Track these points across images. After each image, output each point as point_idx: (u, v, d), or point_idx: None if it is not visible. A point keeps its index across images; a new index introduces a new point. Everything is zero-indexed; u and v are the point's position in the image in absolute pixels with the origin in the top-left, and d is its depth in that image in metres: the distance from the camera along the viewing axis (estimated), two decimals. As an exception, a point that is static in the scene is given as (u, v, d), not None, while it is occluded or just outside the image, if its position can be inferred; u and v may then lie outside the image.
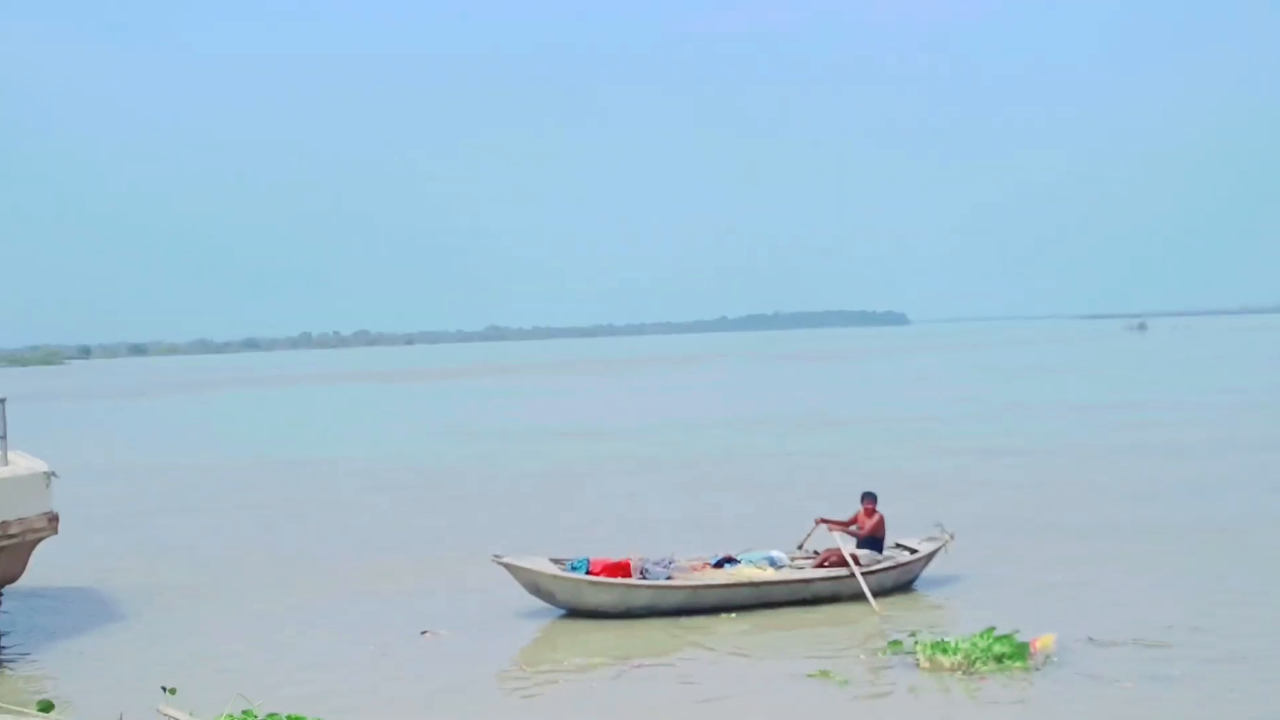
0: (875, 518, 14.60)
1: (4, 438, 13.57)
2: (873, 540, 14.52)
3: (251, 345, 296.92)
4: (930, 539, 14.95)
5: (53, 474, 13.51)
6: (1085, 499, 20.89)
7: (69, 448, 17.73)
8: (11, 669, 12.26)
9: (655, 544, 15.06)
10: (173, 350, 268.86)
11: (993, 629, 11.34)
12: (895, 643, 11.80)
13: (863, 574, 13.75)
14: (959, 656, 10.95)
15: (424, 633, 13.15)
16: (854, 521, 14.65)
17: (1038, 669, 10.98)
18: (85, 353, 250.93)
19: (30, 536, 13.02)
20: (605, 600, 13.37)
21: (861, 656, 11.70)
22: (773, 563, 14.15)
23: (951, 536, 14.83)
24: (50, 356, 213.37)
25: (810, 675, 11.08)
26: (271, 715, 9.09)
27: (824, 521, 14.57)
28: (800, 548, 14.86)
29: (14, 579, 13.36)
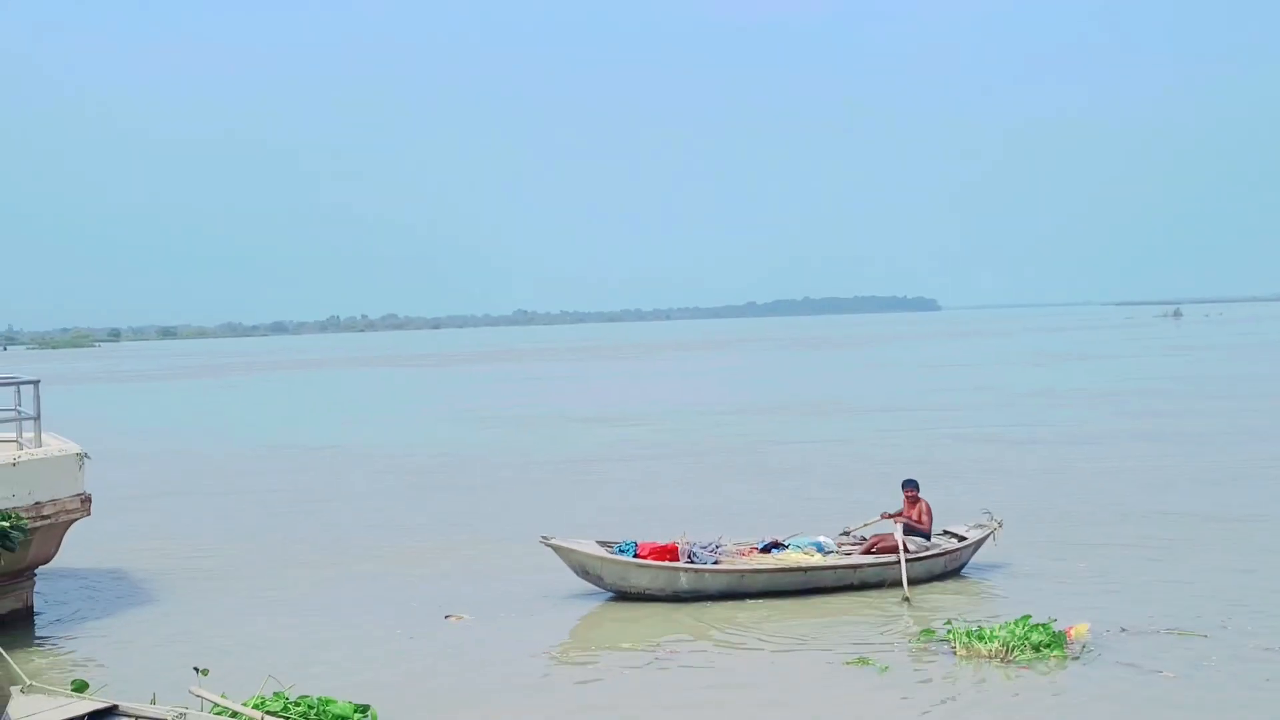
0: (920, 505, 14.60)
1: (37, 419, 13.69)
2: (919, 527, 14.51)
3: (280, 329, 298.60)
4: (978, 526, 14.91)
5: (85, 456, 13.59)
6: (1105, 487, 20.73)
7: (97, 430, 17.80)
8: (45, 648, 12.33)
9: (668, 531, 14.99)
10: (201, 333, 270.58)
11: (1028, 617, 11.27)
12: (928, 630, 11.72)
13: (911, 560, 13.72)
14: (996, 644, 10.86)
15: (448, 616, 13.17)
16: (905, 515, 14.61)
17: (1076, 658, 10.88)
18: (115, 336, 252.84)
19: (63, 518, 13.10)
20: (652, 583, 13.40)
21: (899, 644, 11.60)
22: (820, 548, 14.14)
23: (1000, 524, 14.76)
24: (80, 339, 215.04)
25: (849, 663, 11.01)
26: (303, 697, 9.11)
27: (888, 517, 14.51)
28: (846, 533, 14.85)
29: (47, 560, 13.47)
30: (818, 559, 13.90)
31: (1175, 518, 17.78)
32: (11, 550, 11.99)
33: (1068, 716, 9.64)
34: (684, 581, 13.40)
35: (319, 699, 9.06)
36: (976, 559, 14.76)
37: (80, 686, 9.23)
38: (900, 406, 38.24)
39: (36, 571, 13.58)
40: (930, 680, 10.56)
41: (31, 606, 13.53)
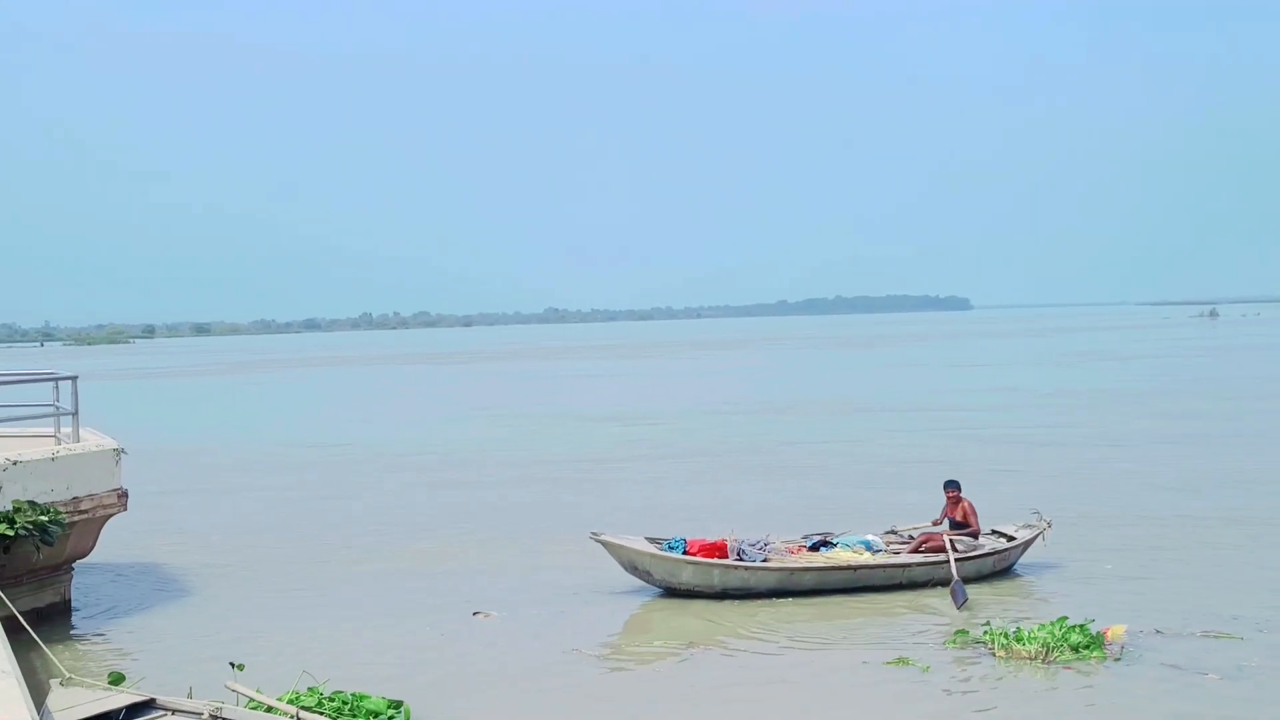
0: (963, 505, 14.55)
1: (76, 414, 13.82)
2: (965, 526, 14.47)
3: (312, 326, 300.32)
4: (1027, 526, 14.84)
5: (122, 451, 13.72)
6: (1129, 488, 20.57)
7: (126, 426, 17.99)
8: (83, 642, 12.43)
9: (691, 528, 15.01)
10: (235, 330, 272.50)
11: (1065, 618, 11.21)
12: (962, 632, 11.63)
13: (960, 560, 13.67)
14: (1036, 646, 10.79)
15: (476, 613, 13.20)
16: (949, 516, 14.60)
17: (1117, 659, 10.80)
18: (149, 332, 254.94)
19: (101, 512, 13.22)
20: (701, 580, 13.42)
21: (939, 645, 11.52)
22: (869, 547, 14.12)
23: (1049, 524, 14.68)
24: (116, 335, 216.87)
25: (889, 663, 10.95)
26: (337, 692, 9.18)
27: (944, 534, 14.32)
28: (893, 532, 14.81)
29: (85, 554, 13.58)
30: (866, 557, 13.89)
31: (1201, 520, 17.63)
32: (50, 544, 12.11)
33: (1119, 719, 9.58)
34: (733, 579, 13.43)
35: (353, 695, 9.12)
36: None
37: (117, 679, 9.33)
38: (920, 406, 38.10)
39: (74, 565, 13.70)
40: (973, 681, 10.50)
41: (69, 600, 13.65)
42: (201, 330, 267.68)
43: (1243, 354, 67.63)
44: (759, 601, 13.27)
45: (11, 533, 11.55)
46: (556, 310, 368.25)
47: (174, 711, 8.18)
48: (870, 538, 14.40)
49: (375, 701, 9.01)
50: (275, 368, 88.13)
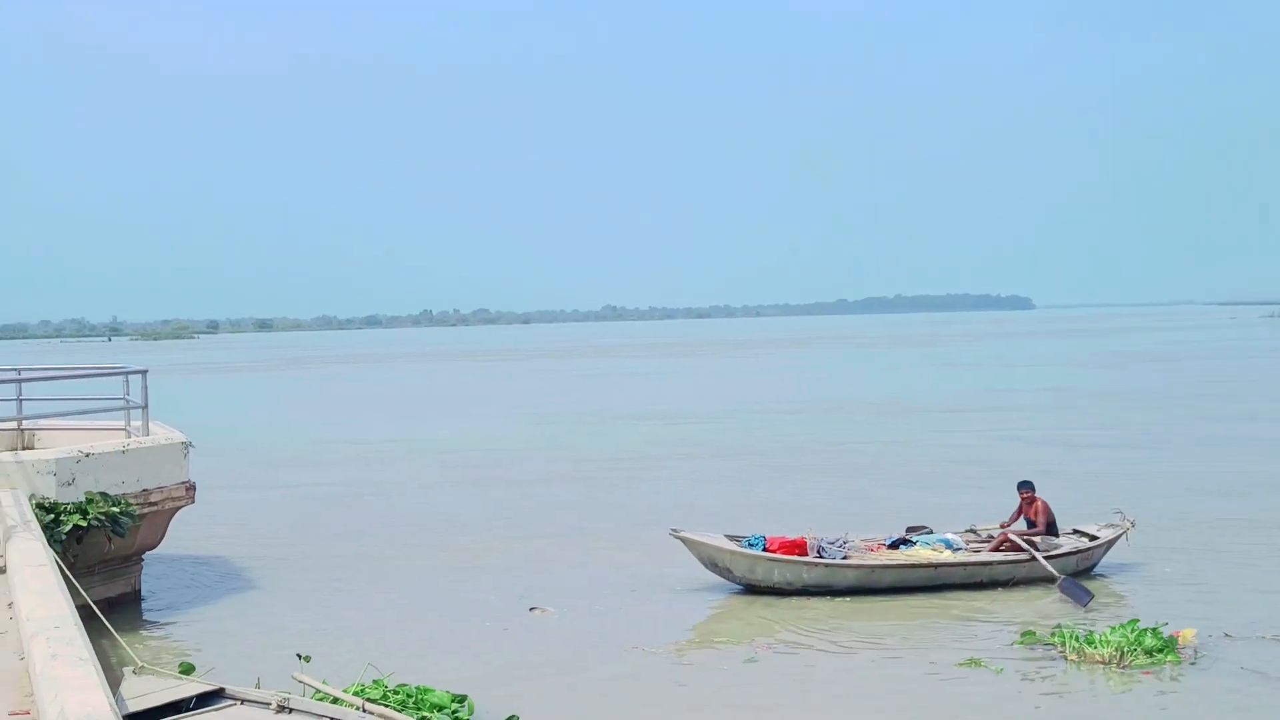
0: (1037, 504, 14.44)
1: (145, 408, 14.08)
2: (1046, 525, 14.37)
3: (373, 322, 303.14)
4: (1110, 525, 14.70)
5: (190, 445, 13.95)
6: (1178, 491, 20.23)
7: (192, 420, 18.25)
8: (152, 631, 12.66)
9: (724, 528, 15.01)
10: (297, 326, 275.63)
11: (1136, 621, 11.09)
12: (1029, 633, 11.53)
13: (1044, 558, 13.60)
14: (1110, 649, 10.67)
15: (532, 609, 13.29)
16: (1021, 516, 14.52)
17: (1192, 663, 10.67)
18: (214, 328, 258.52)
19: (169, 505, 13.45)
20: (781, 577, 13.46)
21: (1006, 645, 11.43)
22: (949, 545, 14.07)
23: (1133, 524, 14.54)
24: (180, 331, 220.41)
25: (961, 664, 10.89)
26: (401, 685, 9.28)
27: (1013, 533, 14.23)
28: (972, 530, 14.73)
29: (154, 545, 13.84)
30: (947, 555, 13.84)
31: (1257, 523, 17.37)
32: (121, 536, 12.34)
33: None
34: (813, 576, 13.45)
35: (417, 688, 9.21)
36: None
37: (187, 669, 9.47)
38: (969, 406, 37.81)
39: (144, 556, 13.96)
40: (1048, 685, 10.38)
41: (139, 590, 13.91)
42: (264, 326, 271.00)
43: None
44: (833, 599, 13.27)
45: (84, 523, 11.78)
46: (614, 308, 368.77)
47: (243, 701, 8.29)
48: (950, 536, 14.35)
49: (439, 695, 9.10)
50: (332, 364, 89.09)
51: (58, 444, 14.36)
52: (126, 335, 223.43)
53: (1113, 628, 11.08)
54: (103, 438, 14.17)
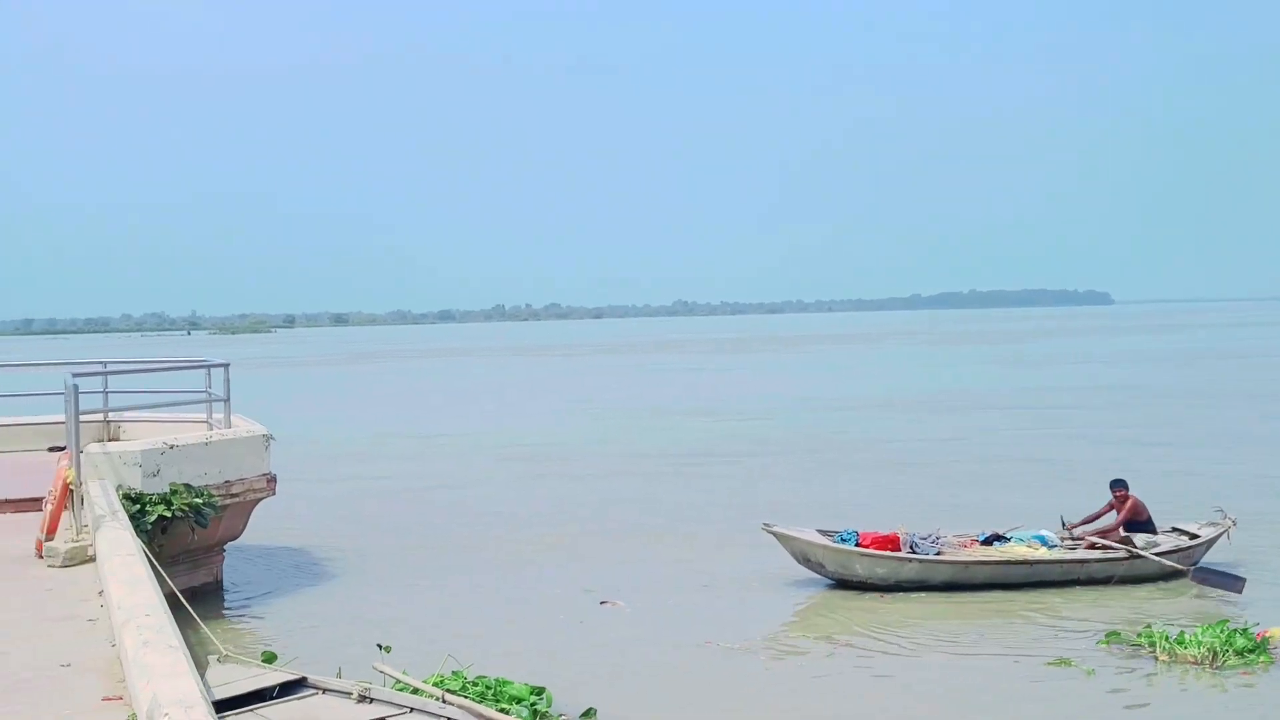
0: (1130, 502, 14.21)
1: (227, 401, 14.30)
2: (1140, 523, 14.16)
3: (447, 317, 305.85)
4: (1211, 524, 14.44)
5: (270, 437, 14.15)
6: (1246, 490, 19.62)
7: (266, 413, 18.54)
8: (234, 620, 12.86)
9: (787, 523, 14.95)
10: (372, 321, 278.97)
11: (1226, 621, 10.90)
12: (1114, 633, 11.32)
13: (1141, 555, 13.44)
14: (1202, 650, 10.45)
15: (604, 602, 13.31)
16: (1111, 513, 14.34)
17: None
18: (290, 322, 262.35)
19: (251, 496, 13.64)
20: (875, 572, 13.41)
21: (1092, 645, 11.24)
22: (1044, 542, 13.89)
23: (1234, 522, 14.27)
24: (258, 325, 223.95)
25: (1050, 663, 10.72)
26: (480, 677, 9.32)
27: (1090, 534, 14.09)
28: (1065, 526, 14.51)
29: (236, 536, 14.05)
30: (1043, 553, 13.66)
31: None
32: (204, 526, 12.54)
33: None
34: (907, 572, 13.37)
35: (496, 680, 9.24)
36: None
37: (270, 658, 9.60)
38: (1027, 404, 37.24)
39: (225, 547, 14.19)
40: (1140, 686, 10.19)
41: (221, 580, 14.13)
42: (340, 321, 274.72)
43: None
44: (924, 595, 13.18)
45: (169, 514, 11.97)
46: (685, 303, 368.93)
47: (324, 690, 8.38)
48: (1045, 533, 14.13)
49: (518, 687, 9.12)
50: (401, 358, 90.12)
51: (141, 436, 14.63)
52: (205, 329, 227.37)
53: (1203, 627, 10.86)
54: (186, 430, 14.42)
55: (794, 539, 13.72)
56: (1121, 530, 14.03)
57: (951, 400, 39.68)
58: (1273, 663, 10.45)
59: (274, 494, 14.09)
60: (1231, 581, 12.73)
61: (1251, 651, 10.48)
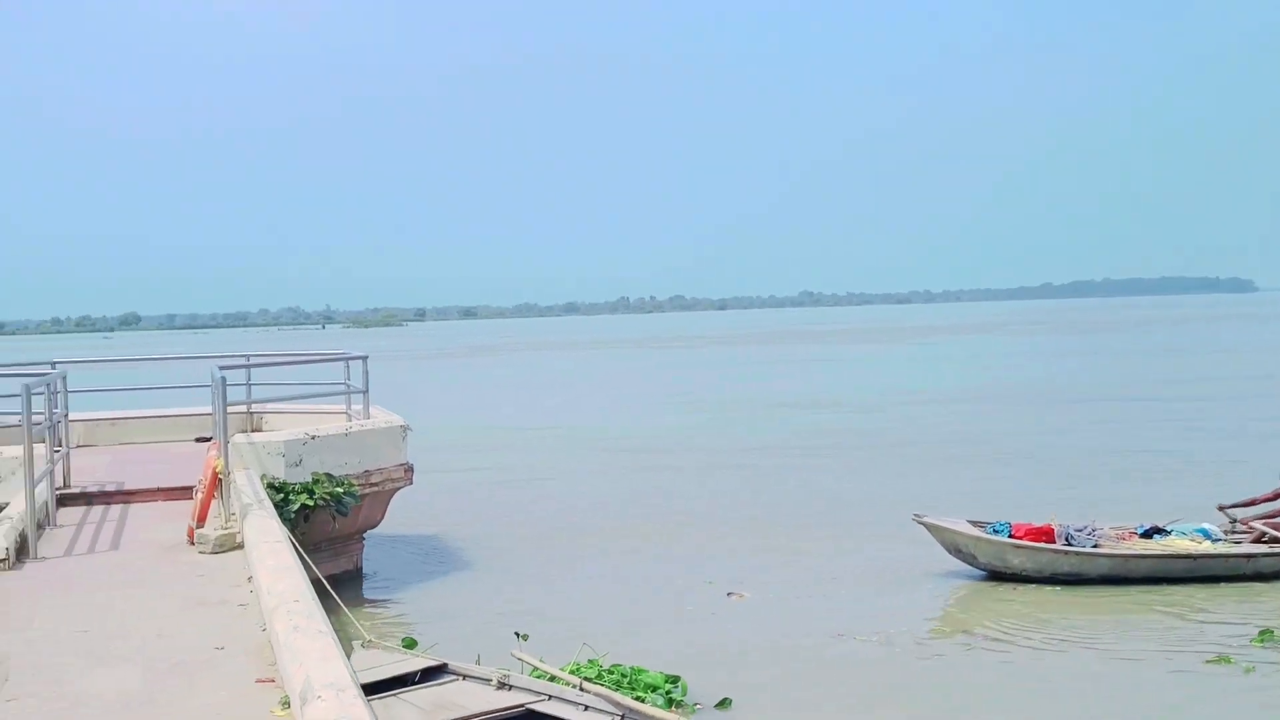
0: None
1: (366, 393, 14.62)
2: None
3: (572, 310, 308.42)
4: None
5: (408, 428, 14.43)
6: None
7: (392, 405, 19.02)
8: (374, 607, 13.14)
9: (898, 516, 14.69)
10: (499, 314, 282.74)
11: None
12: (1266, 632, 10.92)
13: None
14: None
15: (730, 594, 13.29)
16: (1274, 497, 13.90)
17: None
18: (420, 315, 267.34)
19: (389, 485, 13.93)
20: (1030, 565, 13.21)
21: (1245, 644, 10.87)
22: (1207, 535, 13.50)
23: None
24: (389, 319, 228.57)
25: (1209, 661, 10.42)
26: (615, 665, 9.40)
27: (1260, 519, 13.69)
28: (1223, 509, 14.13)
29: (375, 525, 14.36)
30: (1207, 546, 13.26)
31: None
32: (344, 515, 12.84)
33: None
34: (1064, 564, 13.14)
35: (631, 668, 9.32)
36: None
37: (410, 644, 9.83)
38: (1166, 396, 36.03)
39: (365, 535, 14.52)
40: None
41: (361, 568, 14.47)
42: (468, 314, 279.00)
43: None
44: (1077, 588, 12.93)
45: (311, 503, 12.29)
46: (811, 294, 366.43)
47: (464, 677, 8.54)
48: (1207, 526, 13.70)
49: (653, 676, 9.18)
50: (521, 350, 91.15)
51: (283, 427, 15.05)
52: (339, 323, 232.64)
53: None
54: (325, 421, 14.79)
55: (945, 530, 13.56)
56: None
57: (1086, 392, 38.78)
58: None
59: (411, 483, 14.36)
60: None
61: None
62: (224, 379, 10.61)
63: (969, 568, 13.66)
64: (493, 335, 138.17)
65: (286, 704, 5.31)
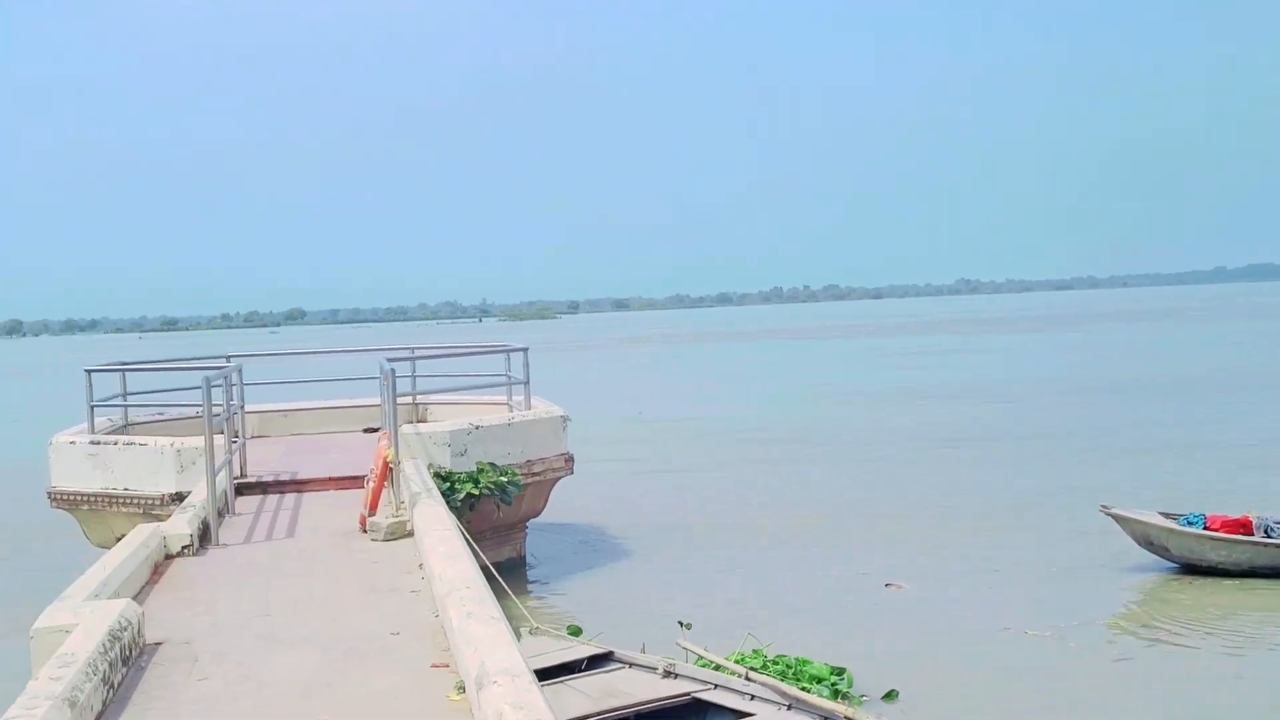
0: None
1: (527, 384, 14.80)
2: None
3: (725, 300, 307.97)
4: None
5: (568, 418, 14.57)
6: None
7: (551, 396, 19.34)
8: (538, 595, 13.30)
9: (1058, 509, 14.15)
10: (650, 305, 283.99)
11: None
12: None
13: None
14: None
15: (888, 585, 13.09)
16: None
17: None
18: (574, 308, 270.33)
19: (550, 475, 14.10)
20: (1228, 558, 12.77)
21: None
22: None
23: None
24: (543, 312, 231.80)
25: None
26: (780, 656, 9.33)
27: None
28: None
29: (537, 513, 14.55)
30: None
31: None
32: (509, 504, 13.03)
33: None
34: (1263, 557, 12.65)
35: (796, 659, 9.23)
36: None
37: (575, 632, 9.90)
38: None
39: (527, 524, 14.71)
40: None
41: (524, 556, 14.68)
42: (620, 306, 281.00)
43: None
44: (1268, 583, 12.42)
45: (476, 492, 12.50)
46: (968, 281, 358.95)
47: (630, 665, 8.57)
48: None
49: (818, 667, 9.09)
50: (670, 342, 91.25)
51: (445, 417, 15.32)
52: (494, 316, 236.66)
53: None
54: (487, 412, 15.02)
55: (1136, 521, 13.18)
56: None
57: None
58: None
59: (572, 473, 14.50)
60: None
61: None
62: (393, 371, 10.84)
63: (1160, 561, 13.22)
64: (643, 326, 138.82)
65: (461, 689, 5.38)
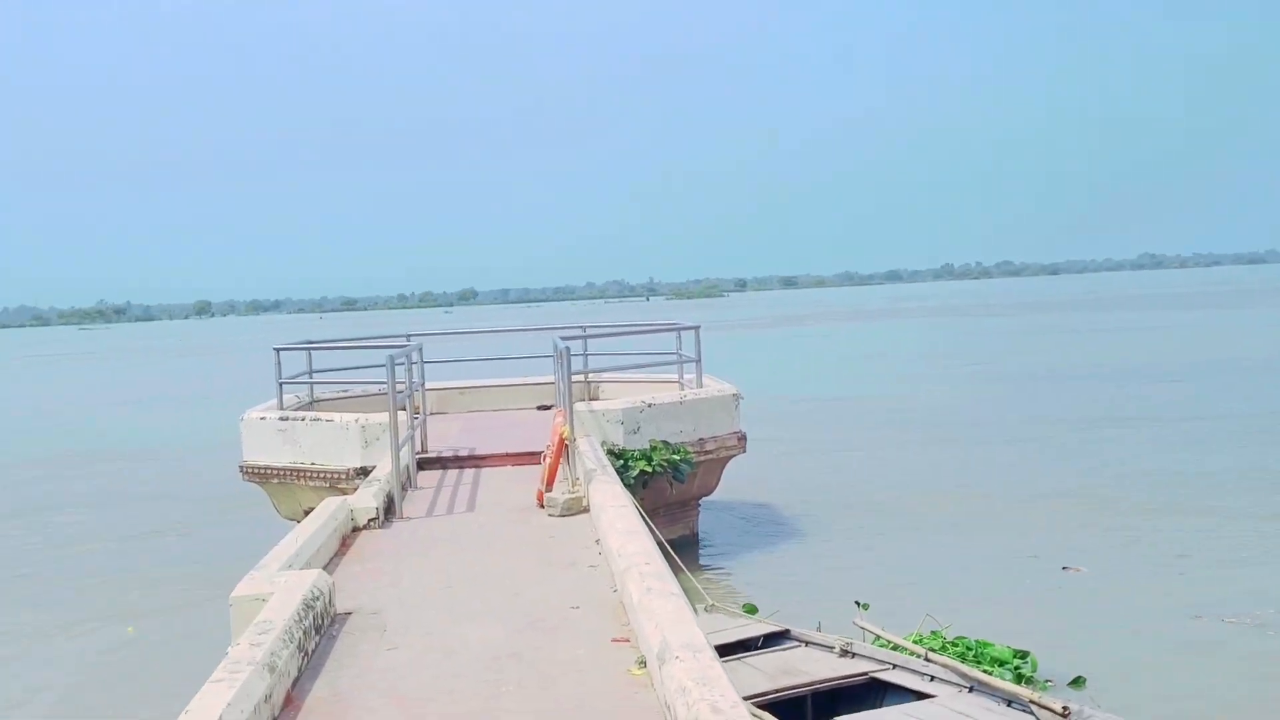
0: None
1: (699, 362, 14.82)
2: None
3: (894, 277, 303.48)
4: None
5: (740, 396, 14.54)
6: None
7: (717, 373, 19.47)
8: (711, 573, 13.33)
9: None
10: (819, 283, 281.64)
11: None
12: None
13: None
14: None
15: (1065, 568, 12.70)
16: None
17: None
18: (741, 286, 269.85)
19: (723, 453, 14.10)
20: None
21: None
22: None
23: None
24: (710, 290, 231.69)
25: None
26: (960, 638, 9.14)
27: None
28: None
29: (710, 492, 14.57)
30: None
31: None
32: (681, 482, 13.08)
33: None
34: None
35: (976, 641, 9.04)
36: None
37: (750, 610, 9.88)
38: None
39: (700, 502, 14.75)
40: None
41: (696, 534, 14.72)
42: (789, 283, 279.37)
43: None
44: None
45: (650, 469, 12.58)
46: (1152, 255, 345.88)
47: (807, 643, 8.52)
48: None
49: (1000, 650, 8.88)
50: (831, 320, 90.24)
51: (617, 395, 15.45)
52: (661, 295, 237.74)
53: None
54: (659, 390, 15.10)
55: None
56: None
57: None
58: None
59: (744, 451, 14.48)
60: None
61: None
62: (568, 349, 10.97)
63: None
64: (810, 304, 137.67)
65: (643, 664, 5.42)
